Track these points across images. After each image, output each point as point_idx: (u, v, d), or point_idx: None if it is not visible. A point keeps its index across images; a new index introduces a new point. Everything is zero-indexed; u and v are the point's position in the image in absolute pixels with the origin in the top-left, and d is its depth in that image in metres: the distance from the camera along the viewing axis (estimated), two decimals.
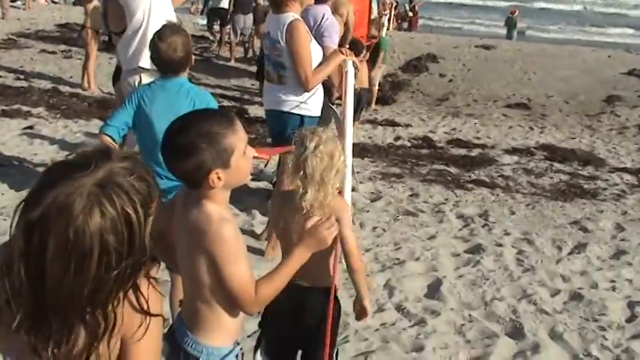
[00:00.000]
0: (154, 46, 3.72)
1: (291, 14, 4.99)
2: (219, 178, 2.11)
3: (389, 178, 8.08)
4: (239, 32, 15.76)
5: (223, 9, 16.19)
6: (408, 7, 26.46)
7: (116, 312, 1.48)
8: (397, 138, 10.57)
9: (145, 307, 1.56)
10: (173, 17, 5.38)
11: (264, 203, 6.46)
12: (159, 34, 3.76)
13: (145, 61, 5.32)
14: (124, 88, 5.52)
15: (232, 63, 15.88)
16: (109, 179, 1.39)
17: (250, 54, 16.44)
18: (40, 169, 6.96)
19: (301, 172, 2.77)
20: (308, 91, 5.07)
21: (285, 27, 4.96)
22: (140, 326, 1.55)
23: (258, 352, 3.14)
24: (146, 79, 5.33)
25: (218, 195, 2.18)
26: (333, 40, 5.54)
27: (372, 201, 7.11)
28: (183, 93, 3.72)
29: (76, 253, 1.36)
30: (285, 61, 5.05)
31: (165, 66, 3.74)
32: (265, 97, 5.56)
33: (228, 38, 16.03)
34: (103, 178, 1.38)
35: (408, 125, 11.52)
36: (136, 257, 1.45)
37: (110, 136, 3.72)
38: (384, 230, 6.22)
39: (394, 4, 20.70)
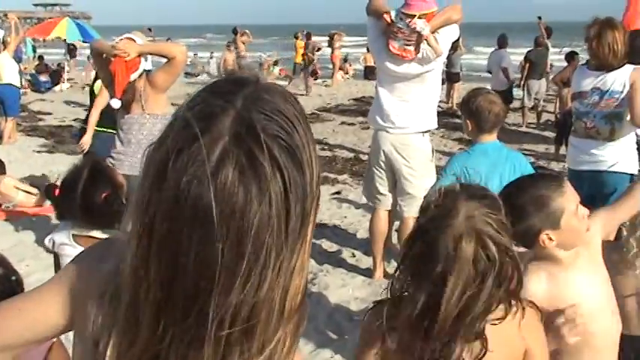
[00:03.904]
0: (481, 108, 3.90)
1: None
2: (550, 238, 2.22)
3: None
4: (532, 97, 15.57)
5: None
6: None
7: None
8: None
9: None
10: None
11: None
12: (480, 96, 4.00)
13: None
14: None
15: (524, 128, 15.58)
16: (468, 213, 1.74)
17: (543, 119, 16.06)
18: (351, 231, 7.43)
19: (638, 233, 2.72)
20: None
21: (629, 75, 4.89)
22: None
23: None
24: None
25: (554, 256, 2.29)
26: None
27: None
28: (503, 157, 3.93)
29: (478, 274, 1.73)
30: (625, 111, 4.93)
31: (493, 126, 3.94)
32: (581, 156, 5.26)
33: (522, 103, 15.85)
34: (465, 213, 1.74)
35: None
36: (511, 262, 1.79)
37: None
38: None
39: None
